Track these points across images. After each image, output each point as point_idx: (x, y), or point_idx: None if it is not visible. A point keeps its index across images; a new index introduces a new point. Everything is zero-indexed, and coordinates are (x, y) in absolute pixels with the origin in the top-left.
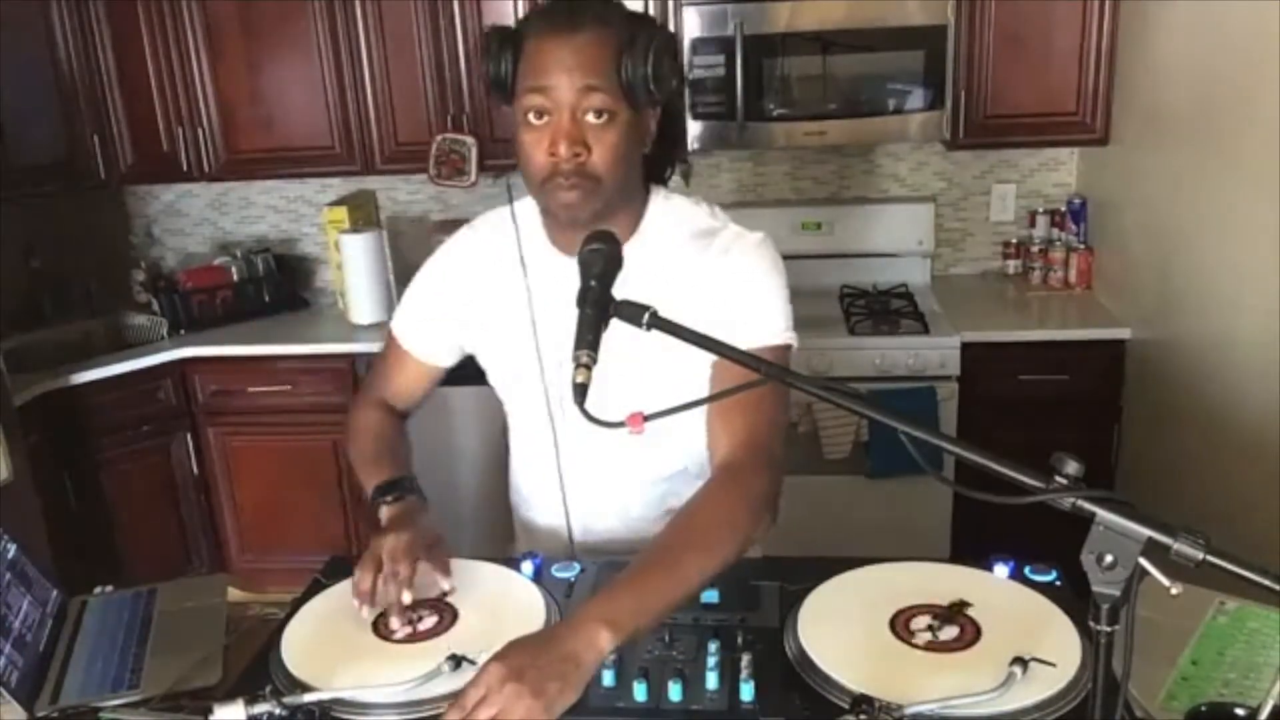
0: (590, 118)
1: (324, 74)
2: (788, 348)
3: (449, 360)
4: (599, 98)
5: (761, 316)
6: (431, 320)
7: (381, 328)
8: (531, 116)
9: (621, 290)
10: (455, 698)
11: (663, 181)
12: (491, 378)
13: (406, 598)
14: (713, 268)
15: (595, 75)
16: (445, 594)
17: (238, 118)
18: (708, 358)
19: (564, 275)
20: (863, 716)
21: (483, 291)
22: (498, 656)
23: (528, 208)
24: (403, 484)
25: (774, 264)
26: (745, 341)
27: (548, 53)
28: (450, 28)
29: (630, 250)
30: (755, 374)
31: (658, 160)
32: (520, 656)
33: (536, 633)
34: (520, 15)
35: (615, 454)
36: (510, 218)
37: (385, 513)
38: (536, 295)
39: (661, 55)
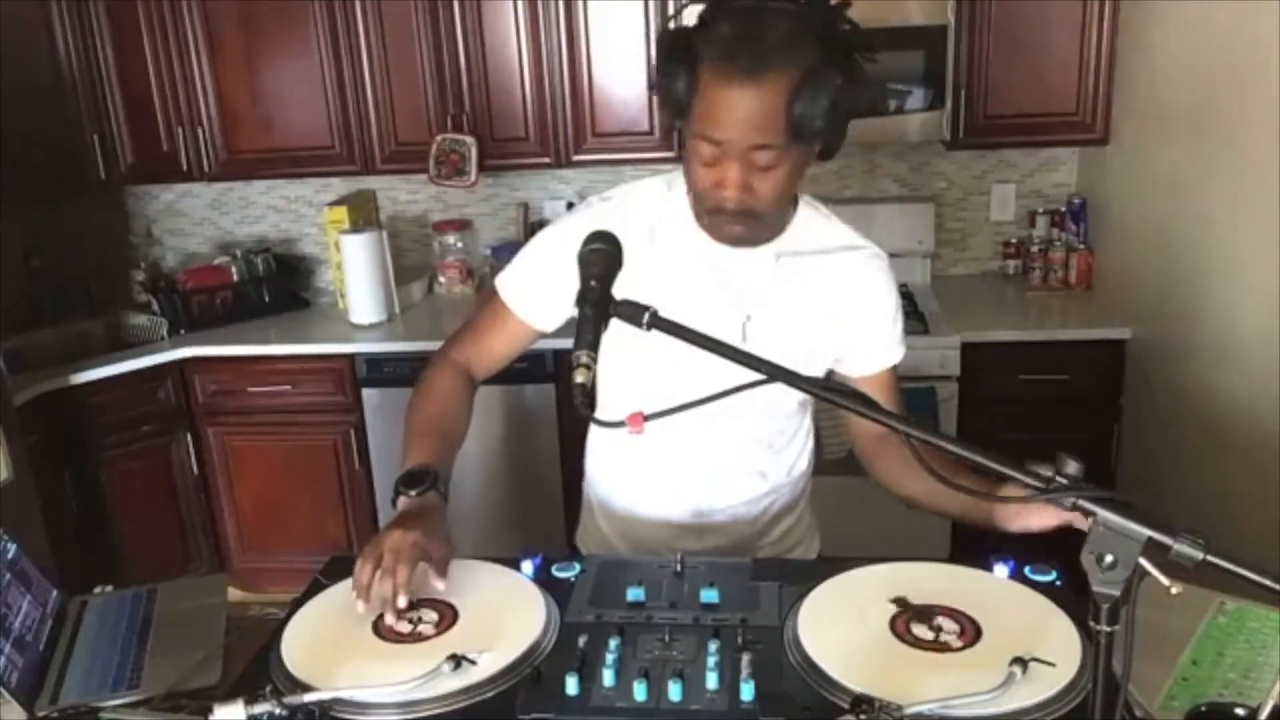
0: (758, 160)
1: (324, 74)
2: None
3: (550, 324)
4: (763, 153)
5: (890, 340)
6: (548, 281)
7: (381, 327)
8: (704, 150)
9: (752, 286)
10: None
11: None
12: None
13: (402, 601)
14: (849, 287)
15: (764, 132)
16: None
17: (238, 118)
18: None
19: (728, 265)
20: (863, 716)
21: (637, 266)
22: None
23: (675, 186)
24: (428, 477)
25: (895, 282)
26: (878, 365)
27: (723, 103)
28: (450, 28)
29: (770, 250)
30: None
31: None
32: None
33: None
34: (521, 20)
35: (728, 446)
36: (658, 196)
37: (402, 504)
38: (677, 276)
39: (839, 98)
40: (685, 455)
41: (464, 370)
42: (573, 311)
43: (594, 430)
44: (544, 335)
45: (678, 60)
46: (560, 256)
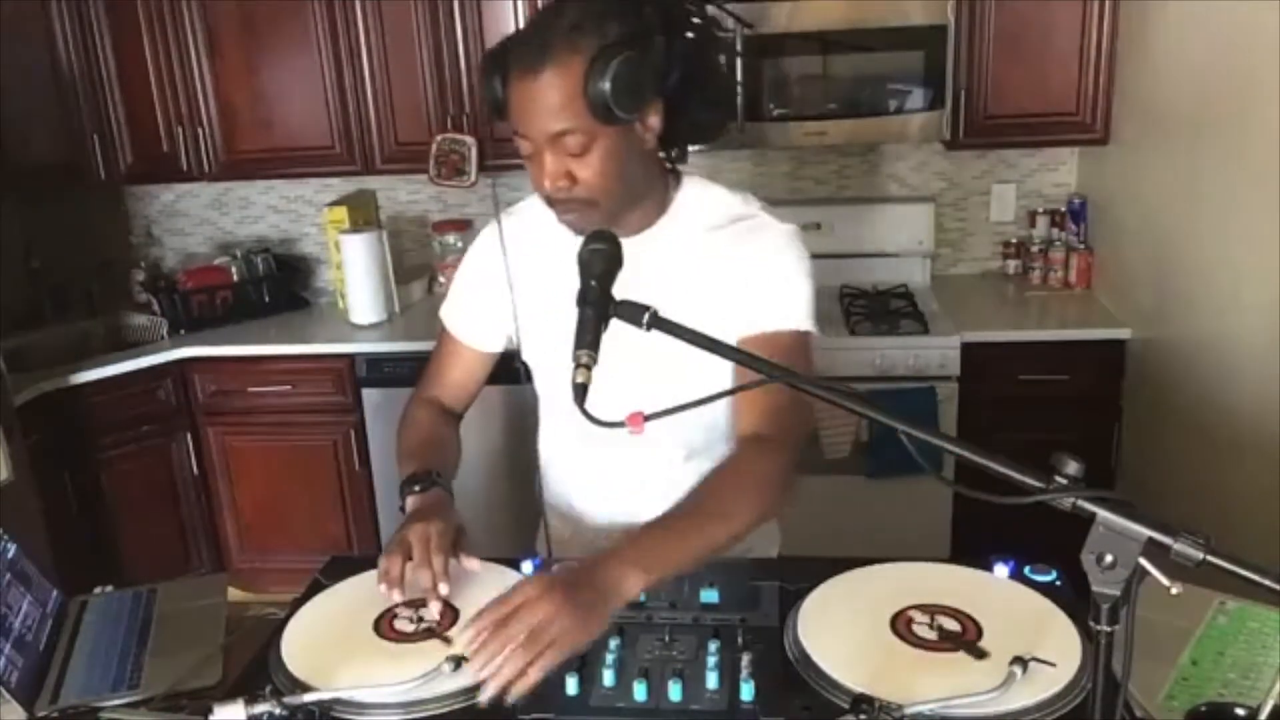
0: (568, 145)
1: (324, 74)
2: (809, 335)
3: (497, 345)
4: (570, 138)
5: (787, 303)
6: (478, 303)
7: (381, 327)
8: (522, 145)
9: (644, 275)
10: (488, 607)
11: (686, 151)
12: (531, 357)
13: (444, 589)
14: (743, 253)
15: (561, 118)
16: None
17: (238, 118)
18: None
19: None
20: (863, 716)
21: (521, 275)
22: (533, 577)
23: None
24: (430, 476)
25: (803, 255)
26: (767, 324)
27: (517, 97)
28: (450, 28)
29: (655, 235)
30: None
31: (677, 139)
32: (556, 577)
33: (567, 564)
34: (521, 20)
35: (654, 441)
36: (539, 204)
37: (411, 502)
38: (562, 277)
39: (623, 75)
40: (620, 459)
41: (438, 404)
42: (510, 328)
43: (543, 435)
44: (497, 355)
45: (493, 66)
46: (484, 277)
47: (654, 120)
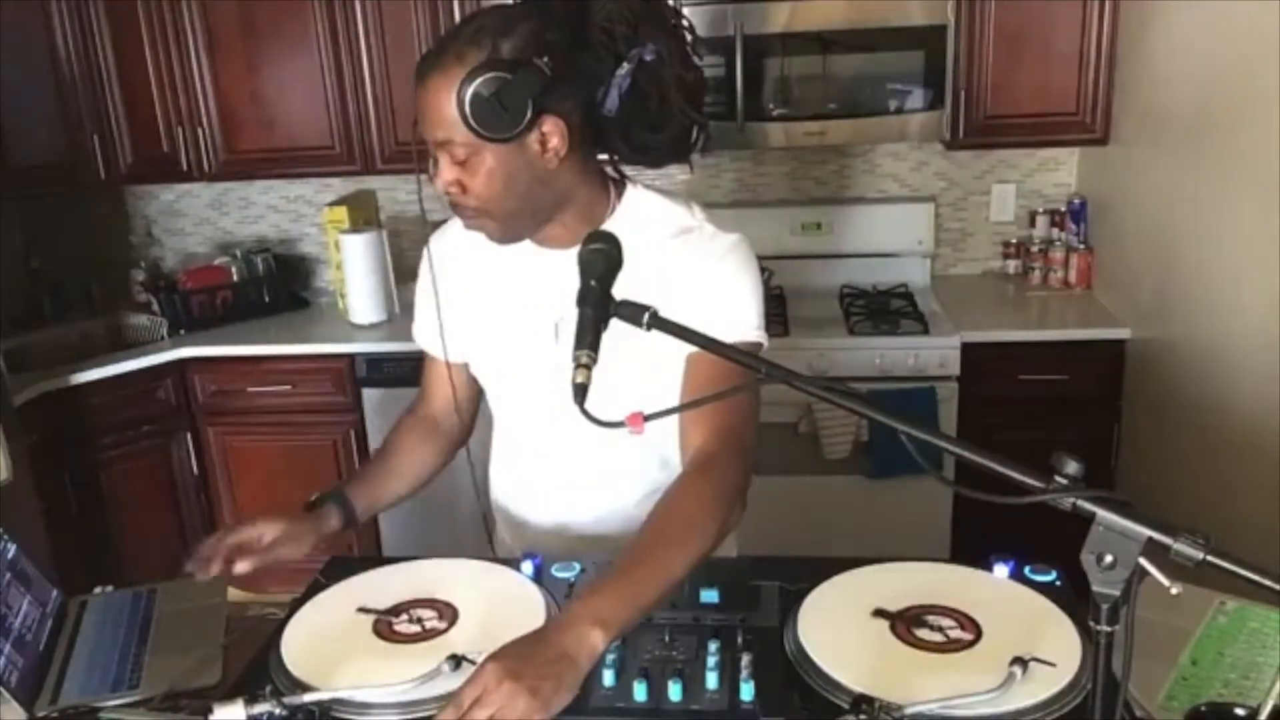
0: (454, 154)
1: (324, 74)
2: (759, 346)
3: (465, 355)
4: (454, 148)
5: (733, 313)
6: (438, 314)
7: (381, 327)
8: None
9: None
10: (451, 697)
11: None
12: (475, 369)
13: (215, 568)
14: (686, 265)
15: (442, 127)
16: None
17: (238, 118)
18: (672, 352)
19: (539, 267)
20: (863, 716)
21: (467, 282)
22: (493, 657)
23: None
24: (334, 495)
25: (748, 263)
26: (717, 336)
27: (416, 104)
28: (451, 27)
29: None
30: (726, 369)
31: (620, 158)
32: (516, 657)
33: (530, 634)
34: None
35: (597, 449)
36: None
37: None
38: (515, 286)
39: (480, 96)
40: (567, 463)
41: (423, 419)
42: (471, 336)
43: (496, 441)
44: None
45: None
46: (435, 287)
47: (555, 141)
